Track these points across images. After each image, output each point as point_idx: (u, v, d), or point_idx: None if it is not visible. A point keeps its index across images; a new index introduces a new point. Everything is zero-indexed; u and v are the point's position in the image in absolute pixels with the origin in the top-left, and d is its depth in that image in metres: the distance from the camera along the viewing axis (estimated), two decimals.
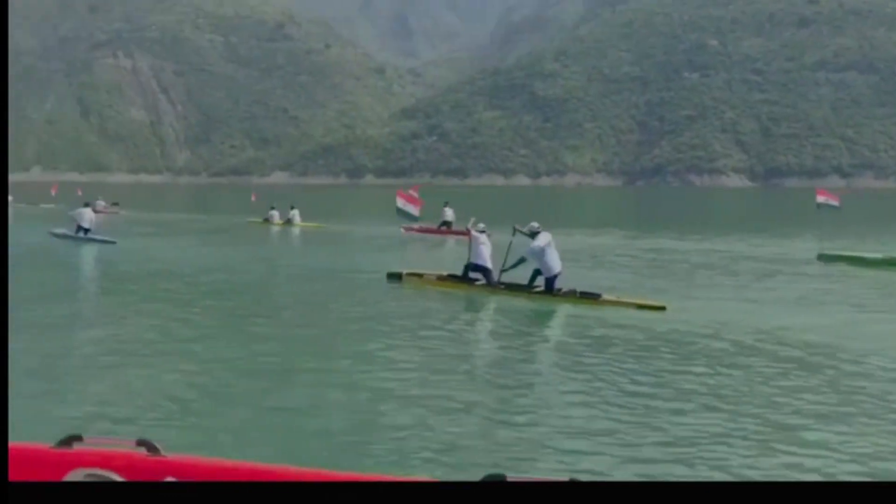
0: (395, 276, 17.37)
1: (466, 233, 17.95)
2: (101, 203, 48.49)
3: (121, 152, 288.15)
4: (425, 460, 6.42)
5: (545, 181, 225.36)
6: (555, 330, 13.23)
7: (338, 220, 42.97)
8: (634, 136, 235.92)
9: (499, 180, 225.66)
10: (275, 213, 38.93)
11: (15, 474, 2.78)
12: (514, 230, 16.14)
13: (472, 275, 16.37)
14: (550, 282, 14.90)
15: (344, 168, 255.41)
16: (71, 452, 2.83)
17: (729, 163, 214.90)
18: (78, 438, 2.87)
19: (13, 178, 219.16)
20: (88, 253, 25.78)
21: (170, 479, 2.26)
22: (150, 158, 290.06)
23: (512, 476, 2.40)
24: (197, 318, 13.51)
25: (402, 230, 32.71)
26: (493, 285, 15.92)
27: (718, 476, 6.08)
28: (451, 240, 30.30)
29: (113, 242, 27.55)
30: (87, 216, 29.25)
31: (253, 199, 54.95)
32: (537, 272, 15.11)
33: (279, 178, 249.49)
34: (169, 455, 2.79)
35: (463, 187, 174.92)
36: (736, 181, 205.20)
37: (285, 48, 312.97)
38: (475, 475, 2.69)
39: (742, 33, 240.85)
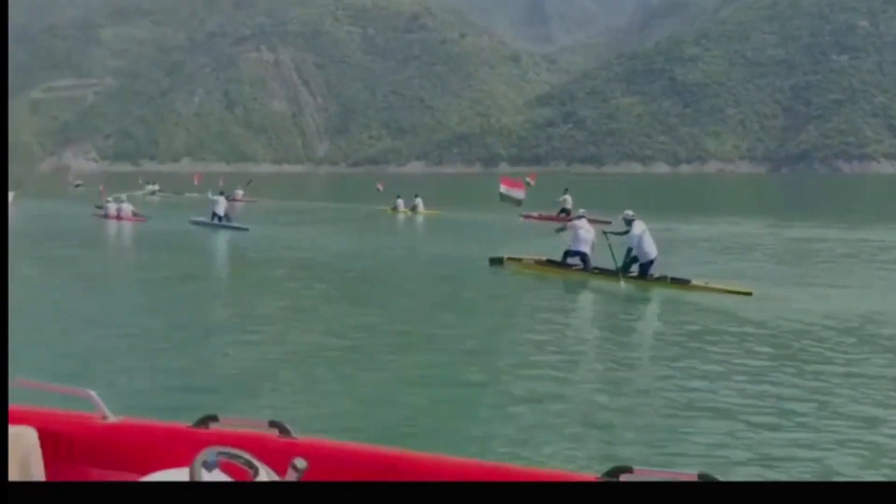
0: (496, 261, 17.69)
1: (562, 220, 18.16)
2: (239, 192, 50.10)
3: (264, 143, 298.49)
4: (548, 451, 6.18)
5: (685, 168, 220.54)
6: (652, 315, 13.22)
7: (463, 208, 42.96)
8: (779, 121, 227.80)
9: (636, 168, 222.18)
10: (400, 202, 39.97)
11: (155, 452, 2.89)
12: (605, 233, 16.26)
13: (571, 260, 16.62)
14: (645, 267, 15.29)
15: (478, 156, 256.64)
16: (207, 432, 2.91)
17: (880, 148, 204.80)
18: (214, 419, 2.95)
19: (164, 168, 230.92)
20: (221, 239, 26.73)
21: (299, 460, 2.32)
22: (292, 149, 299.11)
23: (638, 468, 2.40)
24: (310, 303, 13.76)
25: (521, 218, 32.34)
26: (589, 270, 16.19)
27: (839, 478, 5.48)
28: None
29: (245, 229, 28.35)
30: (222, 204, 30.45)
31: (379, 188, 55.60)
32: (634, 258, 15.49)
33: (415, 167, 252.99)
34: (300, 437, 2.83)
35: (599, 175, 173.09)
36: (888, 167, 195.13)
37: (421, 38, 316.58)
38: (595, 465, 2.73)
39: (894, 13, 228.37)
